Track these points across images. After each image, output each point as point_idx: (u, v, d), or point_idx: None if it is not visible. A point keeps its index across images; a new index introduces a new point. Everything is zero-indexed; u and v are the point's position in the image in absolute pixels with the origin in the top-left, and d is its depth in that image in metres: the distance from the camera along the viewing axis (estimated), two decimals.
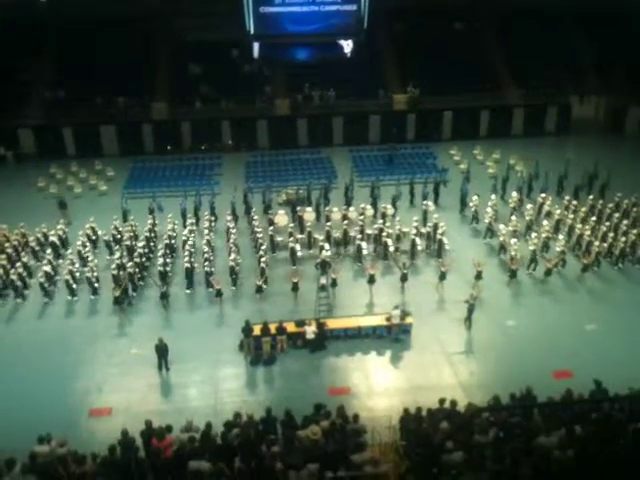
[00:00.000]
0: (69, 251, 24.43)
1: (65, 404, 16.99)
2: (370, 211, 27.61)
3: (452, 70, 38.62)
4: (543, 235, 24.54)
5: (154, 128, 37.40)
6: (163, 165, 35.25)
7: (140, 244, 24.35)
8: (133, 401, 17.14)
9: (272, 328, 18.95)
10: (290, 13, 22.85)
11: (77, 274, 22.88)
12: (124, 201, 28.10)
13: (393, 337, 19.68)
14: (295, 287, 21.71)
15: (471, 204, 27.56)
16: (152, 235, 25.89)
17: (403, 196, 28.88)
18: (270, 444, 11.85)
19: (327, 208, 27.77)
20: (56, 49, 38.93)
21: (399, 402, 15.74)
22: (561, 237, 24.48)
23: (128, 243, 24.72)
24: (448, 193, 29.87)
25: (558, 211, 26.21)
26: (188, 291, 22.63)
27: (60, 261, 24.27)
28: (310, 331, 19.13)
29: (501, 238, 24.43)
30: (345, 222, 25.62)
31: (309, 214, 27.32)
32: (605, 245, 23.97)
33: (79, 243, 24.61)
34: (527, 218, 26.30)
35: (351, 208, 27.83)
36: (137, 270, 22.82)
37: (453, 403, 13.60)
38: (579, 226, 25.02)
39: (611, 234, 24.33)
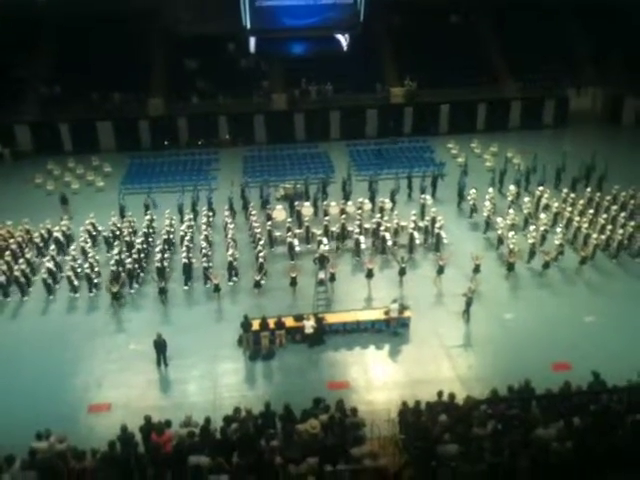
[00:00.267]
0: (72, 247, 24.44)
1: (64, 400, 16.99)
2: (368, 205, 27.59)
3: (449, 63, 38.55)
4: (541, 228, 24.56)
5: (151, 124, 37.31)
6: (160, 161, 35.17)
7: (138, 240, 24.34)
8: (132, 397, 17.14)
9: (271, 323, 18.96)
10: (286, 7, 22.72)
11: (79, 270, 22.87)
12: (121, 197, 28.05)
13: (391, 331, 19.70)
14: (293, 282, 21.72)
15: (469, 197, 27.56)
16: (150, 231, 25.86)
17: (401, 190, 28.87)
18: (269, 438, 11.90)
19: (325, 203, 27.75)
20: (51, 45, 38.74)
21: (398, 396, 15.76)
22: (559, 230, 24.49)
23: (128, 239, 24.71)
24: (446, 187, 29.85)
25: (556, 204, 26.21)
26: (186, 287, 22.63)
27: (64, 257, 24.19)
28: (309, 326, 19.14)
29: (499, 231, 24.44)
30: (343, 216, 25.61)
31: (307, 209, 27.29)
32: (603, 237, 24.01)
33: (81, 239, 24.62)
34: (525, 211, 26.32)
35: (349, 202, 27.81)
36: (136, 266, 22.82)
37: (451, 396, 13.65)
38: (577, 219, 25.04)
39: (609, 226, 24.36)
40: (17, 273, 22.11)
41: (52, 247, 24.22)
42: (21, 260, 22.97)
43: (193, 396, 17.28)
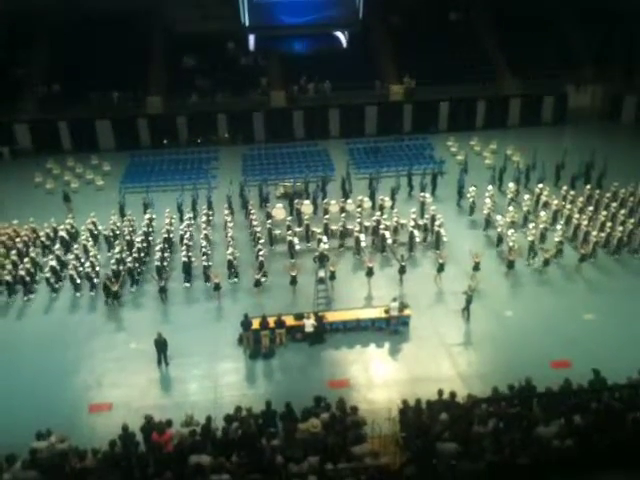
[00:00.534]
0: (75, 246, 24.45)
1: (65, 400, 17.01)
2: (368, 203, 27.57)
3: (448, 61, 38.49)
4: (541, 226, 24.56)
5: (150, 122, 37.22)
6: (160, 159, 35.11)
7: (138, 239, 24.32)
8: (133, 396, 17.16)
9: (271, 321, 18.96)
10: (284, 4, 22.79)
11: (81, 269, 22.86)
12: (121, 196, 28.03)
13: (392, 329, 19.71)
14: (294, 280, 21.71)
15: (468, 195, 27.55)
16: (150, 230, 25.84)
17: (401, 188, 28.85)
18: (270, 437, 11.92)
19: (325, 201, 27.73)
20: (50, 44, 38.66)
21: (398, 394, 15.80)
22: (559, 227, 24.50)
23: (128, 238, 24.70)
24: (445, 184, 29.83)
25: (555, 201, 26.19)
26: (186, 285, 22.62)
27: (68, 256, 24.17)
28: (309, 324, 19.14)
29: (499, 229, 24.43)
30: (343, 215, 25.59)
31: (307, 207, 27.28)
32: (603, 235, 24.01)
33: (83, 238, 24.62)
34: (524, 209, 26.30)
35: (349, 200, 27.79)
36: (136, 265, 22.81)
37: (452, 394, 13.67)
38: (576, 216, 25.04)
39: (609, 224, 24.36)
40: (22, 272, 22.11)
41: (57, 246, 24.22)
42: (26, 259, 22.98)
43: (194, 395, 17.29)
